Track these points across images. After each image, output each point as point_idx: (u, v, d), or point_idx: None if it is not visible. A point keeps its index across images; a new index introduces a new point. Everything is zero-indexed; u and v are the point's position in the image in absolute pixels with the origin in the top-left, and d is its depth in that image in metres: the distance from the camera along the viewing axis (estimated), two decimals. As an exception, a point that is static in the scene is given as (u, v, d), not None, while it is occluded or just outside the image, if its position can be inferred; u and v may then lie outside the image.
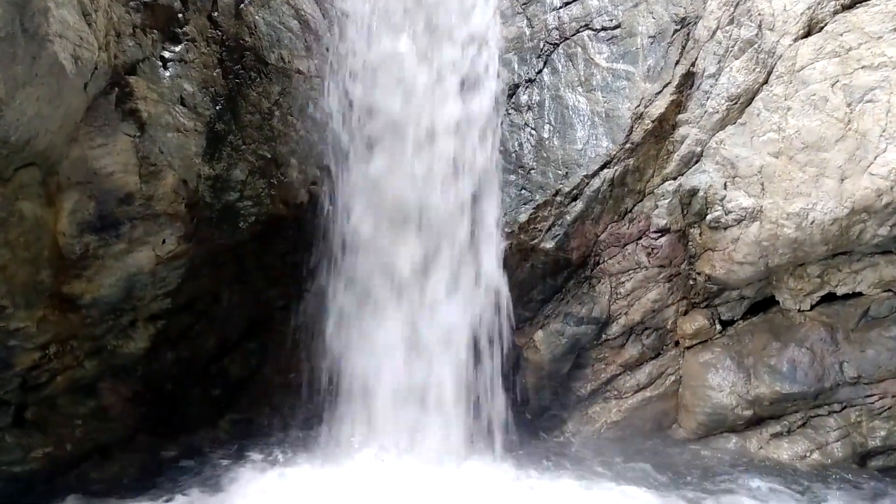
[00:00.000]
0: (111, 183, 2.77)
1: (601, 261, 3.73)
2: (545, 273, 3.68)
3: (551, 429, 3.73)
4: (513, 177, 3.68)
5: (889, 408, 3.30)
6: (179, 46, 2.99)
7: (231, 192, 3.16)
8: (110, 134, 2.73)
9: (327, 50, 3.64)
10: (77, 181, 2.72)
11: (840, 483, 3.11)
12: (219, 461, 3.20)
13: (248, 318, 3.46)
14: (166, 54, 2.94)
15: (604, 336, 3.74)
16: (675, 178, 3.60)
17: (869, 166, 3.04)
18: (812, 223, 3.19)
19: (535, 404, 3.77)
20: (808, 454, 3.37)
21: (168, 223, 2.92)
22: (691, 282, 3.66)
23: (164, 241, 2.92)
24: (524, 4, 3.87)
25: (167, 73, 2.94)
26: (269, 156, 3.31)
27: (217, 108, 3.12)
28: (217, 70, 3.12)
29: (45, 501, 2.71)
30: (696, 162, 3.56)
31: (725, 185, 3.43)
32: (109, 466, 2.97)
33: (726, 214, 3.43)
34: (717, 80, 3.47)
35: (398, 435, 3.34)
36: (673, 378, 3.71)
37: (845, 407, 3.40)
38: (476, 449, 3.40)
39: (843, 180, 3.10)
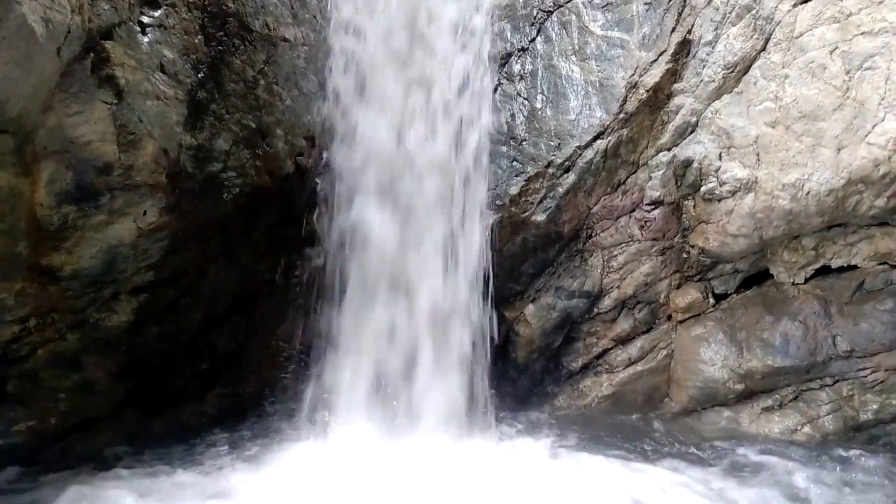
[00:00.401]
0: (89, 152, 2.69)
1: (593, 234, 3.68)
2: (536, 246, 3.63)
3: (542, 403, 3.70)
4: (504, 148, 3.61)
5: (882, 381, 3.28)
6: (159, 11, 2.89)
7: (214, 162, 3.08)
8: (87, 101, 2.65)
9: (315, 17, 3.54)
10: (54, 150, 2.64)
11: (828, 455, 3.10)
12: (206, 435, 3.18)
13: (234, 292, 3.41)
14: (145, 19, 2.84)
15: (595, 310, 3.71)
16: (669, 149, 3.54)
17: (867, 136, 2.97)
18: (808, 194, 3.13)
19: (526, 379, 3.75)
20: (799, 427, 3.35)
21: (149, 194, 2.85)
22: (685, 255, 3.61)
23: (145, 213, 2.85)
24: (516, -30, 3.76)
25: (146, 39, 2.84)
26: (254, 126, 3.23)
27: (199, 75, 3.03)
28: (199, 37, 3.02)
29: (30, 474, 2.69)
30: (691, 132, 3.49)
31: (720, 155, 3.37)
32: (95, 440, 2.94)
33: (721, 186, 3.36)
34: (713, 47, 3.39)
35: (387, 409, 3.31)
36: (665, 352, 3.69)
37: (837, 381, 3.38)
38: (467, 424, 3.37)
39: (839, 150, 3.04)
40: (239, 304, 3.42)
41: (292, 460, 2.97)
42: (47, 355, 2.77)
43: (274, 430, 3.22)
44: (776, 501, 2.72)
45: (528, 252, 3.64)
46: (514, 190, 3.54)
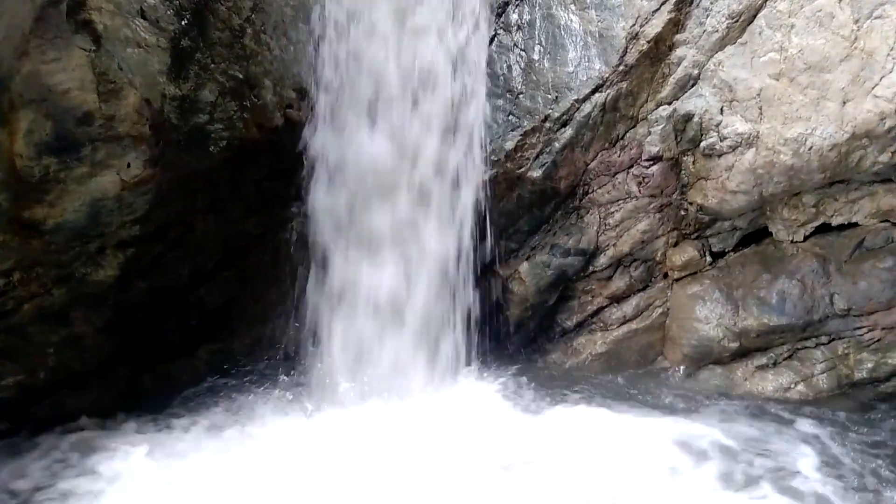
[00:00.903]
0: (68, 101, 2.60)
1: (590, 190, 3.61)
2: (532, 203, 3.56)
3: (535, 361, 3.69)
4: (500, 101, 3.51)
5: (878, 340, 3.25)
6: (138, -47, 2.76)
7: (200, 114, 2.98)
8: (63, 48, 2.54)
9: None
10: (31, 99, 2.55)
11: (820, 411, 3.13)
12: (198, 390, 3.17)
13: (224, 247, 3.36)
14: (123, -39, 2.72)
15: (591, 268, 3.66)
16: (669, 103, 3.44)
17: (873, 88, 2.87)
18: (810, 149, 3.05)
19: (520, 337, 3.72)
20: (792, 385, 3.34)
21: (132, 146, 2.76)
22: (682, 212, 3.55)
23: (128, 165, 2.77)
24: (515, -88, 3.60)
25: (124, -18, 2.72)
26: (241, 76, 3.12)
27: (182, 23, 2.91)
28: (181, -19, 2.90)
29: (18, 429, 2.69)
30: (693, 85, 3.38)
31: (722, 109, 3.27)
32: (85, 395, 2.93)
33: (721, 141, 3.28)
34: (718, -5, 3.26)
35: (380, 366, 3.30)
36: (660, 310, 3.65)
37: (833, 339, 3.35)
38: (459, 380, 3.37)
39: (844, 103, 2.94)
40: (228, 260, 3.38)
41: (284, 414, 2.97)
42: (33, 310, 2.73)
43: (266, 386, 3.21)
44: (764, 444, 2.80)
45: (523, 209, 3.57)
46: (509, 145, 3.46)
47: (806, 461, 2.70)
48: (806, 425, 2.99)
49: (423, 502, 2.44)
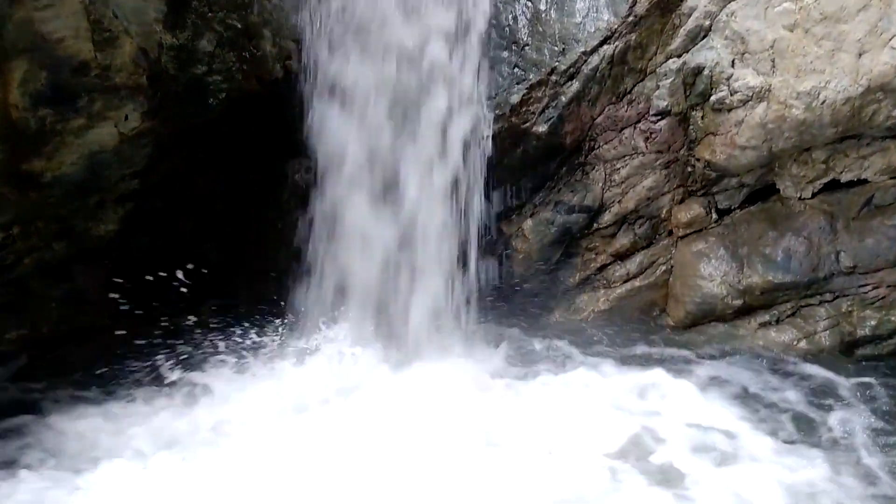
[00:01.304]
0: (62, 50, 2.53)
1: (596, 146, 3.55)
2: (537, 159, 3.51)
3: (537, 317, 3.68)
4: (505, 53, 3.41)
5: (883, 297, 3.24)
6: None
7: (198, 64, 2.91)
8: (56, -7, 2.47)
9: None
10: (24, 48, 2.48)
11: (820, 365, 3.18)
12: (200, 346, 3.17)
13: (225, 202, 3.33)
14: None
15: (595, 225, 3.63)
16: (679, 56, 3.35)
17: (891, 39, 2.80)
18: (823, 103, 2.98)
19: (522, 294, 3.71)
20: (794, 343, 3.35)
21: (129, 97, 2.70)
22: (689, 169, 3.50)
23: (126, 117, 2.72)
24: None
25: (116, -75, 2.62)
26: (240, 26, 3.03)
27: (178, -32, 2.81)
28: (175, -76, 2.79)
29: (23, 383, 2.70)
30: (704, 37, 3.29)
31: (733, 62, 3.19)
32: (88, 350, 2.94)
33: (732, 95, 3.20)
34: (733, -59, 3.14)
35: (382, 324, 3.30)
36: (664, 268, 3.64)
37: (837, 297, 3.35)
38: (460, 338, 3.38)
39: (860, 55, 2.87)
40: (230, 215, 3.34)
41: (287, 368, 2.98)
42: (35, 264, 2.72)
43: (269, 340, 3.21)
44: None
45: (527, 165, 3.52)
46: (514, 99, 3.38)
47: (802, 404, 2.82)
48: (805, 376, 3.06)
49: (413, 450, 2.47)
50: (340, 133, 3.18)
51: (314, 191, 3.20)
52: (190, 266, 3.10)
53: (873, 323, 3.27)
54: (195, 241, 3.21)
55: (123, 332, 3.02)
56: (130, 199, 2.87)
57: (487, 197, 3.36)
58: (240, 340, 3.23)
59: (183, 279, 3.15)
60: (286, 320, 3.29)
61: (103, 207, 2.83)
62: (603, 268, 3.69)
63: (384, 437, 2.58)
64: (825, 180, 3.31)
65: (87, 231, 2.81)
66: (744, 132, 3.21)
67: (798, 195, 3.38)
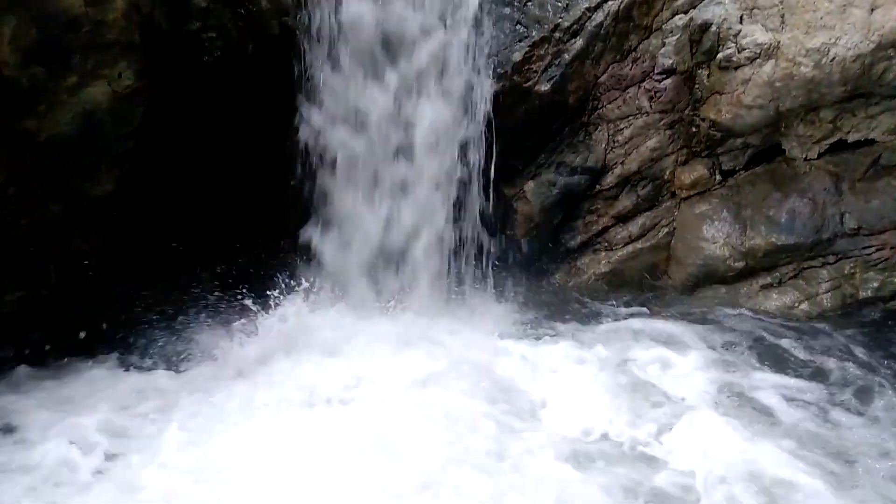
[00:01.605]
0: (53, 5, 2.46)
1: (599, 106, 3.49)
2: (539, 119, 3.45)
3: (538, 280, 3.67)
4: (507, 9, 3.32)
5: (886, 259, 3.23)
6: None
7: (192, 21, 2.84)
8: (44, -55, 2.39)
9: None
10: (14, 3, 2.42)
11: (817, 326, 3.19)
12: (200, 307, 3.17)
13: (224, 164, 3.27)
14: None
15: (597, 187, 3.59)
16: (686, 12, 3.27)
17: (905, -7, 2.71)
18: (832, 60, 2.91)
19: (523, 257, 3.69)
20: (796, 305, 3.35)
21: (122, 54, 2.64)
22: (694, 129, 3.44)
23: (120, 75, 2.67)
24: None
25: None
26: (234, -20, 2.95)
27: (170, -81, 2.72)
28: None
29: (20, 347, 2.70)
30: (712, -8, 3.20)
31: (741, 18, 3.11)
32: (87, 312, 2.93)
33: (739, 52, 3.13)
34: None
35: (385, 285, 3.29)
36: (666, 230, 3.61)
37: (840, 259, 3.33)
38: (461, 299, 3.38)
39: (873, 10, 2.79)
40: (229, 177, 3.29)
41: (289, 330, 2.98)
42: (31, 225, 2.69)
43: (272, 302, 3.20)
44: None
45: (529, 125, 3.46)
46: (516, 57, 3.30)
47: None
48: (805, 336, 3.08)
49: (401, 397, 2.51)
50: (340, 91, 3.12)
51: (315, 150, 3.16)
52: (189, 228, 3.08)
53: (876, 285, 3.26)
54: (193, 203, 3.17)
55: (123, 294, 3.02)
56: (127, 160, 2.83)
57: (489, 157, 3.31)
58: (240, 301, 3.23)
59: (183, 241, 3.13)
60: (284, 281, 3.28)
61: (99, 168, 2.78)
62: (605, 230, 3.67)
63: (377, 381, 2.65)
64: (832, 141, 3.26)
65: (84, 192, 2.78)
66: (750, 91, 3.14)
67: (804, 156, 3.33)
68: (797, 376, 2.75)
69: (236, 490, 2.05)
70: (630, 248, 3.64)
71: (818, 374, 2.79)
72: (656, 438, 2.36)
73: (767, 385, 2.67)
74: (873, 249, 3.24)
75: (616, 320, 3.26)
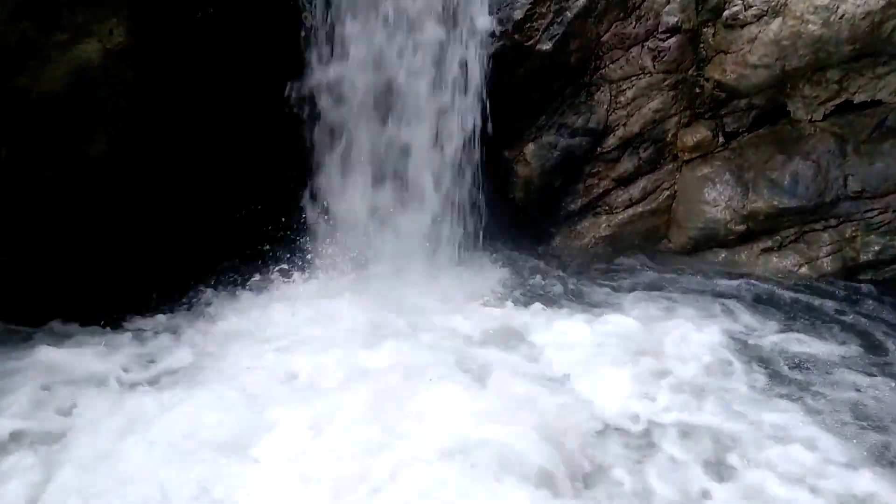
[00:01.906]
0: (39, -41, 2.40)
1: (602, 66, 3.42)
2: (540, 79, 3.39)
3: (538, 244, 3.65)
4: (508, -34, 3.23)
5: (888, 223, 3.20)
6: None
7: (184, -25, 2.76)
8: None
9: None
10: (-1, -44, 2.35)
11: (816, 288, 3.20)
12: (216, 258, 3.17)
13: (220, 125, 3.22)
14: None
15: (599, 149, 3.55)
16: (692, -32, 3.17)
17: (919, -53, 2.63)
18: (841, 18, 2.84)
19: (524, 220, 3.67)
20: (796, 268, 3.33)
21: (113, 11, 2.58)
22: (698, 89, 3.38)
23: (111, 32, 2.60)
24: None
25: None
26: (229, -69, 2.86)
27: None
28: None
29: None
30: (719, -53, 3.11)
31: (749, -27, 3.02)
32: (83, 282, 2.90)
33: (746, 10, 3.06)
34: None
35: (385, 250, 3.27)
36: (667, 193, 3.58)
37: (842, 222, 3.31)
38: (460, 262, 3.36)
39: (885, -35, 2.71)
40: (231, 131, 3.22)
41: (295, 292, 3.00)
42: (26, 187, 2.66)
43: (276, 264, 3.20)
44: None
45: (530, 85, 3.40)
46: (518, 14, 3.23)
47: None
48: (802, 298, 3.09)
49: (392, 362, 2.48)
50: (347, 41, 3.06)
51: (315, 109, 3.10)
52: (191, 185, 3.04)
53: (877, 248, 3.24)
54: (190, 164, 3.13)
55: (129, 253, 2.99)
56: (120, 119, 2.78)
57: (489, 118, 3.26)
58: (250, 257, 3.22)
59: (186, 198, 3.09)
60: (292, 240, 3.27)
61: (93, 127, 2.74)
62: (605, 193, 3.63)
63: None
64: (838, 101, 3.21)
65: (77, 152, 2.74)
66: (756, 49, 3.08)
67: (809, 117, 3.28)
68: (797, 337, 2.74)
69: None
70: (630, 211, 3.61)
71: (813, 332, 2.80)
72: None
73: (767, 347, 2.66)
74: (876, 212, 3.21)
75: (615, 283, 3.25)
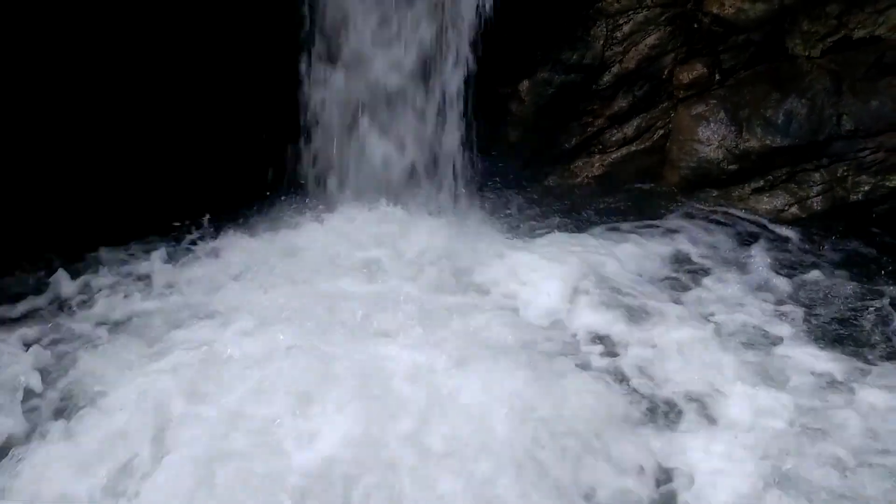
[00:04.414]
0: None
1: (599, -1, 3.34)
2: (536, 11, 3.31)
3: (532, 183, 3.64)
4: None
5: (880, 162, 3.21)
6: None
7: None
8: None
9: None
10: None
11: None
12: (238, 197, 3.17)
13: (231, 83, 3.12)
14: None
15: (594, 86, 3.50)
16: None
17: None
18: (844, -52, 2.77)
19: (516, 158, 3.65)
20: (786, 208, 3.36)
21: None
22: (696, 24, 3.32)
23: None
24: None
25: None
26: None
27: None
28: None
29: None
30: None
31: None
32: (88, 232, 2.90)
33: (747, -60, 2.97)
34: None
35: (384, 188, 3.27)
36: (661, 132, 3.56)
37: (834, 162, 3.31)
38: (455, 202, 3.37)
39: None
40: (240, 85, 3.15)
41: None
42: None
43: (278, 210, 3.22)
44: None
45: (526, 18, 3.33)
46: (513, -57, 3.13)
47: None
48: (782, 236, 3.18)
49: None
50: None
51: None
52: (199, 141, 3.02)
53: (867, 188, 3.26)
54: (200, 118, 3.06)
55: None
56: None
57: (482, 52, 3.20)
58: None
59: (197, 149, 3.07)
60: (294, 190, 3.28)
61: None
62: (600, 132, 3.61)
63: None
64: (837, 37, 3.17)
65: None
66: (756, -17, 3.01)
67: (807, 53, 3.24)
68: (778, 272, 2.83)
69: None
70: (624, 150, 3.60)
71: (795, 269, 2.89)
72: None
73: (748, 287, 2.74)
74: (868, 152, 3.22)
75: (606, 222, 3.27)
